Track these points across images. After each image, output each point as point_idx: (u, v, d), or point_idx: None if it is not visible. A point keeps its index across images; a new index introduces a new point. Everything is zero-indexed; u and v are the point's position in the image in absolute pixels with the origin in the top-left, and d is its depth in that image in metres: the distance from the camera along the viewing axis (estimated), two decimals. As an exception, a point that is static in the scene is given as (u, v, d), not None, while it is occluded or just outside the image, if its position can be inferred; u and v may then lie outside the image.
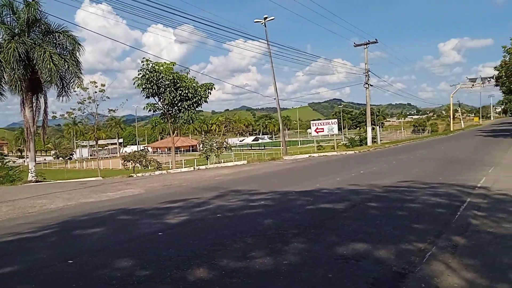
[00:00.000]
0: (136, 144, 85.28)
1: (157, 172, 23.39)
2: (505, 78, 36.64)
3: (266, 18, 31.20)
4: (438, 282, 3.90)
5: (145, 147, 74.23)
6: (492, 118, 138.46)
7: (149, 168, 32.29)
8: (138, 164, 34.61)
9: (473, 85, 65.61)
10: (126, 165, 34.84)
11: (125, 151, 41.32)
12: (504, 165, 14.36)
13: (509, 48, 31.45)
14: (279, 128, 40.04)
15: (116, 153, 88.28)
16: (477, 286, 3.81)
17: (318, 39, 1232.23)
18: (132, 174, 22.84)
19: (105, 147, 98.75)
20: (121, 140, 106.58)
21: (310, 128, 42.05)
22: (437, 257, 4.65)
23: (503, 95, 59.61)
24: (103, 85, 32.37)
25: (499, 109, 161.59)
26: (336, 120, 38.18)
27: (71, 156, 71.19)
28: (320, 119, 46.92)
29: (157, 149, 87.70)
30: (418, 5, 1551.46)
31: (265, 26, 31.29)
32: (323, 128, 34.53)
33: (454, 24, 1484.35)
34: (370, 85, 36.70)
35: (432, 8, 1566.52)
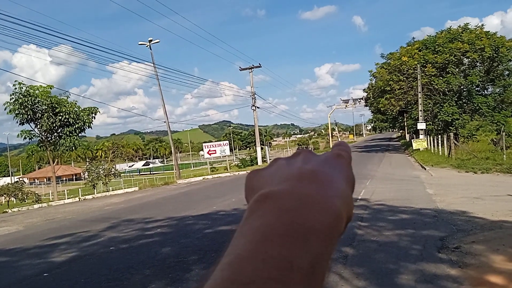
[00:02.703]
0: (9, 176, 76.07)
1: (36, 206, 21.26)
2: (372, 99, 41.06)
3: (151, 40, 30.82)
4: (333, 292, 4.19)
5: (21, 178, 66.70)
6: (364, 135, 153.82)
7: (27, 201, 29.07)
8: (13, 198, 30.90)
9: (346, 105, 72.52)
10: (-2, 200, 30.94)
11: (-4, 184, 36.86)
12: (379, 178, 16.01)
13: (374, 72, 35.51)
14: (171, 151, 39.42)
15: (-16, 187, 77.64)
16: (368, 292, 4.17)
17: (204, 63, 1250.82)
18: (7, 210, 20.47)
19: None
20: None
21: (202, 150, 42.14)
22: (331, 268, 5.00)
23: (372, 114, 67.06)
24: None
25: (369, 127, 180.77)
26: (227, 141, 38.88)
27: None
28: (211, 141, 47.42)
29: (34, 179, 79.35)
30: (294, 32, 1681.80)
31: (151, 49, 30.85)
32: (215, 150, 34.88)
33: (326, 50, 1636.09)
34: (257, 107, 38.28)
35: (306, 35, 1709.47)
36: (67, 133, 26.82)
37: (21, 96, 24.88)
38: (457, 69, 29.64)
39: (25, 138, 27.04)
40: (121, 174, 37.88)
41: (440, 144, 24.86)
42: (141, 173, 75.33)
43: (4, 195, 30.62)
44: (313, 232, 0.28)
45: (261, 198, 0.32)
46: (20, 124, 25.73)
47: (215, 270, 0.28)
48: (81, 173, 68.23)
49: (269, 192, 0.32)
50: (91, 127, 28.65)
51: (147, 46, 30.78)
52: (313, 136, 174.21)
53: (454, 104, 29.22)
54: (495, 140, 22.16)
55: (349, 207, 0.32)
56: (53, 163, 28.94)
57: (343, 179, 0.35)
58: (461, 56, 28.95)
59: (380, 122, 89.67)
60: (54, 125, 26.01)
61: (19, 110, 24.85)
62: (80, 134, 28.38)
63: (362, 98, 59.38)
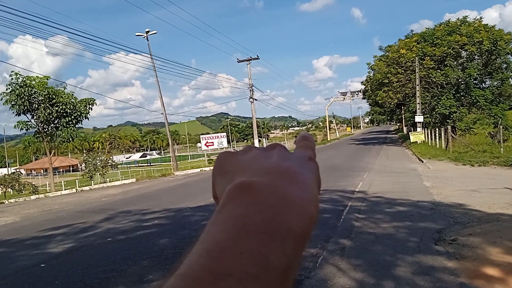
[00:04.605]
0: (6, 167, 75.88)
1: (33, 197, 21.23)
2: (370, 92, 40.99)
3: (148, 31, 30.57)
4: (331, 285, 4.20)
5: (17, 169, 66.63)
6: (362, 128, 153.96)
7: (24, 192, 29.02)
8: (10, 189, 30.83)
9: (344, 98, 72.41)
10: (-5, 191, 30.78)
11: (-7, 175, 36.75)
12: (376, 170, 16.02)
13: (373, 65, 35.39)
14: (168, 143, 39.35)
15: (-20, 178, 77.23)
16: (366, 285, 4.18)
17: (202, 54, 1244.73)
18: (4, 201, 20.46)
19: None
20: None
21: (199, 142, 42.16)
22: (328, 260, 5.00)
23: (370, 106, 67.02)
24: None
25: (367, 119, 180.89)
26: (225, 133, 38.87)
27: None
28: (209, 133, 47.34)
29: (31, 170, 79.20)
30: (292, 24, 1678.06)
31: (148, 40, 30.64)
32: (213, 142, 34.87)
33: (325, 42, 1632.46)
34: (255, 99, 38.14)
35: (305, 27, 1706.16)
36: (64, 124, 26.72)
37: (18, 87, 24.75)
38: (455, 62, 29.56)
39: (21, 129, 26.93)
40: (118, 166, 37.85)
41: (437, 137, 24.90)
42: (138, 165, 75.27)
43: (1, 186, 30.54)
44: (290, 234, 0.28)
45: (243, 186, 0.31)
46: (16, 114, 25.62)
47: (190, 253, 0.27)
48: (78, 165, 68.09)
49: (251, 182, 0.31)
50: (88, 118, 28.57)
51: (144, 37, 30.55)
52: (311, 129, 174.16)
53: (452, 97, 29.19)
54: (492, 133, 22.23)
55: (317, 212, 0.33)
56: (50, 154, 28.89)
57: (315, 184, 0.35)
58: (459, 49, 28.87)
59: (377, 114, 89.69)
60: (51, 116, 25.90)
61: (16, 100, 24.71)
62: (77, 125, 28.30)
63: (360, 91, 59.33)
